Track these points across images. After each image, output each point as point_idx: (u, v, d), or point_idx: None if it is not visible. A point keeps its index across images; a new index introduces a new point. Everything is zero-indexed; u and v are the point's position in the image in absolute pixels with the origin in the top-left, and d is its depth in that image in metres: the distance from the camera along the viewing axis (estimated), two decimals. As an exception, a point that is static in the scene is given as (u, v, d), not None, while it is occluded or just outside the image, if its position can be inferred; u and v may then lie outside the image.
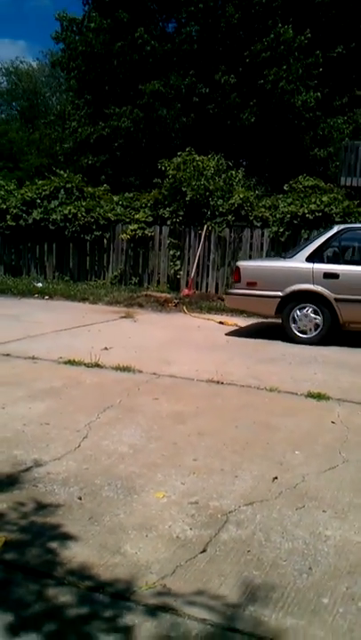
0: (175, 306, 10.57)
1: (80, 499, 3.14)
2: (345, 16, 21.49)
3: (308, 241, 8.70)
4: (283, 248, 11.14)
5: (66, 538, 2.76)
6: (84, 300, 11.08)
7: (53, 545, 2.69)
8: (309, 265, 7.82)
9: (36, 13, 57.42)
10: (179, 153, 13.10)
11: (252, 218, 11.94)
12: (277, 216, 11.68)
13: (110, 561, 2.59)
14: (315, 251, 7.92)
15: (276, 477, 3.49)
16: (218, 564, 2.59)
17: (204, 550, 2.70)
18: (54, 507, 3.05)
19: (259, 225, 11.91)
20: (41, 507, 3.04)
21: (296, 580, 2.51)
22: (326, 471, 3.62)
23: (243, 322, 9.30)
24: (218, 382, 5.54)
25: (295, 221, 11.45)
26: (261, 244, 11.93)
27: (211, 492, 3.28)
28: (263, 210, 11.94)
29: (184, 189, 12.14)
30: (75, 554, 2.62)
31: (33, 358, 6.22)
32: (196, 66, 20.77)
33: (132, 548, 2.70)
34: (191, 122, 20.41)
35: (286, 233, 11.56)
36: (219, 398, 5.10)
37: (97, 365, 5.98)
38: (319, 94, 20.72)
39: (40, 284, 12.38)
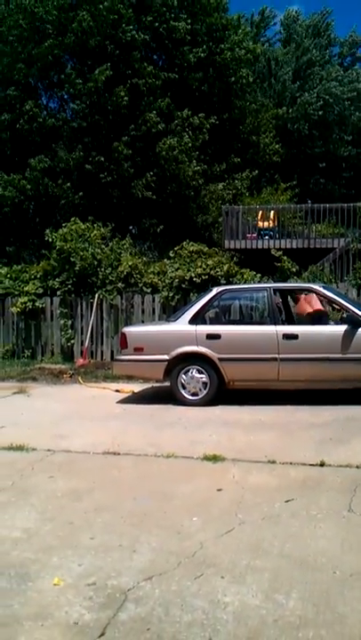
0: (70, 377, 10.44)
1: (-30, 594, 2.99)
2: (215, 90, 23.02)
3: (190, 304, 8.93)
4: (174, 312, 11.36)
5: None
6: (-26, 377, 10.72)
7: None
8: (192, 327, 8.01)
9: None
10: (64, 224, 13.22)
11: (141, 284, 12.14)
12: (166, 281, 11.94)
13: (3, 658, 2.47)
14: (196, 313, 8.14)
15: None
16: (117, 647, 2.52)
17: (102, 634, 2.63)
18: None
19: (149, 291, 12.12)
20: None
21: (196, 653, 2.48)
22: (223, 535, 3.64)
23: (139, 388, 9.31)
24: (114, 453, 5.49)
25: (183, 285, 11.74)
26: (153, 309, 12.11)
27: (109, 571, 3.21)
28: (152, 276, 12.18)
29: (72, 259, 12.20)
30: (-35, 656, 2.48)
31: None
32: (89, 137, 21.27)
33: (27, 639, 2.59)
34: (80, 197, 20.73)
35: (176, 297, 11.81)
36: (115, 470, 5.04)
37: (-12, 446, 5.77)
38: (206, 166, 21.81)
39: None
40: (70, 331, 12.41)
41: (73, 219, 13.38)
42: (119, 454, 5.48)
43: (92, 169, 20.55)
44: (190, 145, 21.20)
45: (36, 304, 12.46)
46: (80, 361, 11.68)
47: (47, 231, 13.26)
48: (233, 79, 23.11)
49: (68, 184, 20.66)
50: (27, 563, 3.32)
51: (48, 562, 3.33)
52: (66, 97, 22.62)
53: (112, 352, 12.08)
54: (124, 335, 8.44)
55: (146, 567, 3.25)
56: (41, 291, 12.60)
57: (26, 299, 12.46)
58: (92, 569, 3.24)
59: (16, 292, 12.74)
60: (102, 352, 12.31)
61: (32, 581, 3.11)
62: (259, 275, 11.71)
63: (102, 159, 20.43)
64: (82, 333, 12.39)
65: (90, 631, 2.65)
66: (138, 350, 8.15)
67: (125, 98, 20.37)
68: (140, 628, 2.66)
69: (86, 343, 12.15)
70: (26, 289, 12.62)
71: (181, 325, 8.12)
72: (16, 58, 20.94)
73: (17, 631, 2.65)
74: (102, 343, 12.36)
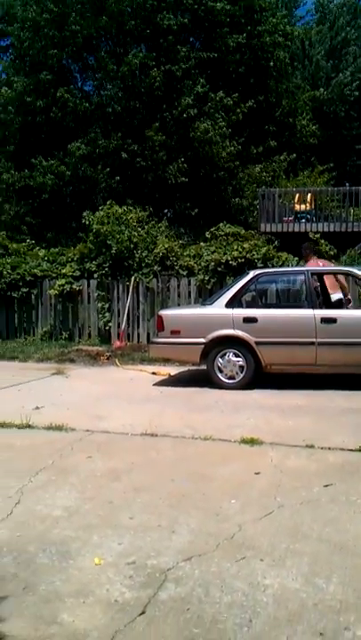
0: (107, 359, 10.51)
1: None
2: (252, 73, 22.74)
3: (226, 287, 8.89)
4: (210, 295, 11.32)
5: None
6: (13, 358, 10.86)
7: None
8: (229, 310, 7.98)
9: None
10: (101, 207, 13.25)
11: (177, 267, 12.12)
12: (202, 264, 11.91)
13: (46, 632, 2.51)
14: (233, 296, 8.11)
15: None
16: (157, 626, 2.55)
17: (142, 612, 2.65)
18: (-13, 580, 2.95)
19: (185, 274, 12.09)
20: (-28, 582, 2.93)
21: (237, 634, 2.49)
22: (262, 518, 3.64)
23: (175, 371, 9.34)
24: (152, 435, 5.52)
25: (220, 268, 11.69)
26: (189, 292, 12.09)
27: (148, 551, 3.24)
28: (188, 259, 12.15)
29: (109, 242, 12.24)
30: (9, 628, 2.53)
31: None
32: (123, 122, 21.29)
33: (69, 616, 2.63)
34: (117, 182, 20.78)
35: (212, 280, 11.78)
36: (153, 451, 5.07)
37: (28, 426, 5.85)
38: (240, 147, 21.63)
39: (-33, 345, 12.09)
40: (107, 313, 12.48)
41: (109, 202, 13.40)
42: (157, 436, 5.51)
43: (127, 157, 20.56)
44: (224, 127, 21.02)
45: (74, 286, 12.55)
46: (117, 343, 11.75)
47: (85, 214, 13.31)
48: (271, 62, 22.82)
49: (108, 169, 20.70)
50: (67, 540, 3.37)
51: (88, 540, 3.38)
52: (100, 80, 22.58)
53: (148, 335, 12.13)
54: (160, 318, 8.45)
55: (185, 548, 3.27)
56: (78, 273, 12.68)
57: (63, 281, 12.56)
58: (131, 548, 3.28)
59: (54, 275, 12.85)
60: (139, 335, 12.36)
61: (73, 559, 3.16)
62: (296, 258, 11.59)
63: (135, 148, 20.41)
64: (118, 316, 12.45)
65: (130, 609, 2.68)
66: (174, 333, 8.17)
67: (159, 80, 20.26)
68: (180, 608, 2.68)
69: (123, 326, 12.21)
70: (63, 271, 12.71)
71: (218, 309, 8.10)
72: (50, 42, 20.96)
73: (59, 608, 2.70)
74: (138, 326, 12.41)
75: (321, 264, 9.84)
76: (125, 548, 3.28)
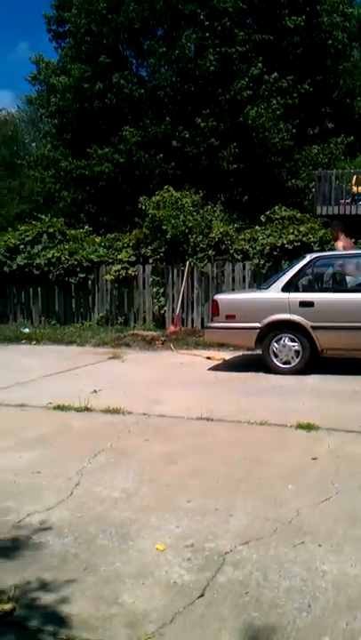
0: (162, 344, 10.59)
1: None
2: (310, 54, 22.27)
3: (282, 271, 8.79)
4: (265, 279, 11.24)
5: (61, 591, 2.73)
6: (71, 343, 11.07)
7: (49, 599, 2.66)
8: (285, 295, 7.90)
9: (19, 63, 58.33)
10: (157, 192, 13.27)
11: (232, 251, 12.07)
12: (257, 248, 11.82)
13: (107, 612, 2.56)
14: (289, 280, 8.02)
15: (270, 514, 3.49)
16: (216, 608, 2.57)
17: (201, 595, 2.68)
18: (49, 558, 3.03)
19: (240, 258, 12.04)
20: (35, 560, 3.01)
21: (296, 619, 2.49)
22: (320, 503, 3.62)
23: (230, 355, 9.33)
24: (208, 419, 5.54)
25: (275, 252, 11.58)
26: (243, 277, 12.04)
27: (206, 534, 3.27)
28: (243, 243, 12.08)
29: (164, 227, 12.27)
30: (72, 608, 2.60)
31: (22, 405, 6.20)
32: (175, 110, 21.24)
33: (130, 597, 2.68)
34: (171, 167, 20.78)
35: (267, 264, 11.69)
36: (209, 436, 5.10)
37: (86, 409, 5.96)
38: (295, 130, 21.29)
39: (27, 330, 12.37)
40: (162, 298, 12.56)
41: (166, 187, 13.40)
42: (212, 420, 5.53)
43: (178, 144, 20.50)
44: (279, 110, 20.70)
45: (129, 272, 12.67)
46: (171, 328, 11.82)
47: (141, 199, 13.37)
48: (329, 42, 22.30)
49: (161, 155, 20.71)
50: (127, 522, 3.43)
51: (147, 522, 3.43)
52: (153, 65, 22.51)
53: (202, 319, 12.16)
54: (215, 302, 8.44)
55: (242, 532, 3.28)
56: (133, 259, 12.79)
57: (119, 267, 12.69)
58: (189, 531, 3.31)
59: (110, 260, 12.99)
60: (193, 319, 12.40)
61: (132, 540, 3.21)
62: (353, 240, 11.36)
63: (187, 135, 20.32)
64: (173, 301, 12.51)
65: (189, 591, 2.71)
66: (229, 318, 8.14)
67: (214, 63, 20.07)
68: (239, 592, 2.70)
69: (177, 311, 12.26)
70: (119, 257, 12.84)
71: (274, 293, 8.03)
72: (107, 27, 20.99)
73: (119, 588, 2.75)
74: (193, 311, 12.44)
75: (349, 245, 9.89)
76: (183, 531, 3.31)
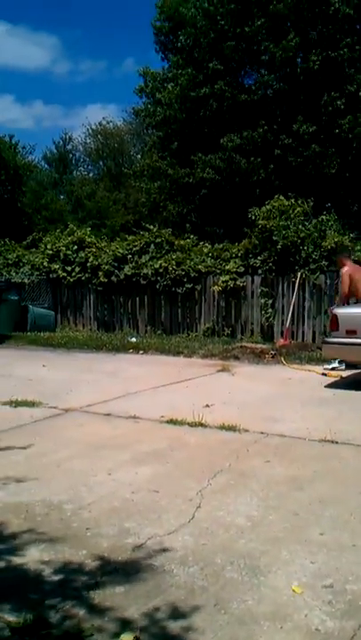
0: (272, 357, 10.23)
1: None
2: None
3: None
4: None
5: (191, 629, 2.49)
6: (178, 353, 10.92)
7: (177, 633, 2.44)
8: None
9: (125, 78, 60.10)
10: (267, 202, 12.95)
11: (348, 263, 11.53)
12: (376, 259, 11.24)
13: (245, 660, 2.30)
14: None
15: None
16: (370, 667, 2.25)
17: (350, 647, 2.36)
18: (175, 589, 2.80)
19: (355, 269, 11.49)
20: (160, 590, 2.79)
21: None
22: None
23: (347, 372, 8.84)
24: (332, 442, 5.17)
25: (396, 264, 10.96)
26: (359, 290, 11.47)
27: (346, 573, 2.94)
28: (360, 254, 11.52)
29: (274, 238, 11.94)
30: (205, 649, 2.35)
31: (134, 417, 6.07)
32: (275, 117, 20.89)
33: (268, 642, 2.40)
34: (271, 173, 20.41)
35: (387, 277, 11.07)
36: (336, 460, 4.73)
37: (200, 425, 5.73)
38: None
39: (134, 339, 12.38)
40: (270, 310, 12.21)
41: (277, 195, 13.07)
42: (337, 443, 5.15)
43: (280, 152, 20.11)
44: None
45: (237, 283, 12.42)
46: (281, 341, 11.43)
47: (251, 210, 13.08)
48: None
49: (259, 160, 20.39)
50: (255, 554, 3.15)
51: (278, 555, 3.13)
52: (257, 70, 22.18)
53: (313, 333, 11.70)
54: (335, 317, 8.01)
55: (387, 574, 2.92)
56: (242, 269, 12.52)
57: (227, 277, 12.47)
58: (326, 569, 2.99)
59: (217, 271, 12.80)
60: (303, 333, 11.96)
61: (264, 576, 2.93)
62: None
63: (289, 141, 19.88)
64: (282, 313, 12.13)
65: (335, 642, 2.40)
66: (350, 333, 7.70)
67: (318, 63, 19.58)
68: (394, 648, 2.36)
69: (287, 323, 11.87)
70: (227, 267, 12.62)
71: None
72: (223, 35, 20.94)
73: (255, 631, 2.48)
74: (303, 324, 12.00)
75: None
76: (320, 568, 2.99)
